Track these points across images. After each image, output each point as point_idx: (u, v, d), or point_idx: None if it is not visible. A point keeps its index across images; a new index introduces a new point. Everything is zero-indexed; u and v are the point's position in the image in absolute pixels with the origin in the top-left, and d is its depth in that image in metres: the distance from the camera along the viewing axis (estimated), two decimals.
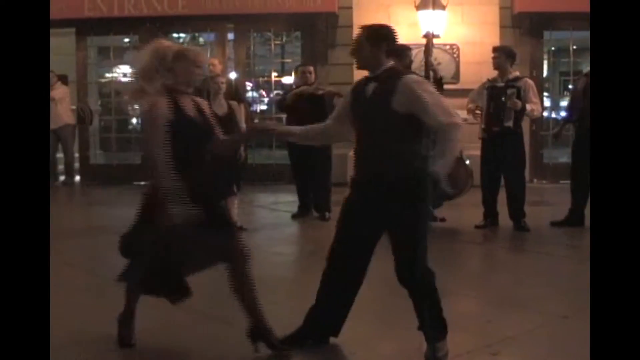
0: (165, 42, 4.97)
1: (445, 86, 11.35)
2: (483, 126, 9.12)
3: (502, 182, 9.41)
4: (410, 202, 4.65)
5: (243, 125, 9.39)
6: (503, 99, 8.97)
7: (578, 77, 10.02)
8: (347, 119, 4.95)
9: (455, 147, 4.71)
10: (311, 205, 10.58)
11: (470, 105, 9.37)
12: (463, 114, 9.80)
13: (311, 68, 10.65)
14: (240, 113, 9.53)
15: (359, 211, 4.81)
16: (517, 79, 9.23)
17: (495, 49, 9.40)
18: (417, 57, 11.21)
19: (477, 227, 9.29)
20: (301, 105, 10.04)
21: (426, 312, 4.79)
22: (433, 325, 4.80)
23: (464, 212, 9.71)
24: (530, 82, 9.33)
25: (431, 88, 4.80)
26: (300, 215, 10.54)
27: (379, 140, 4.69)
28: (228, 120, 9.27)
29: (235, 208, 9.48)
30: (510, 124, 9.03)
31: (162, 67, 4.79)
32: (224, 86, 9.46)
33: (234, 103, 9.67)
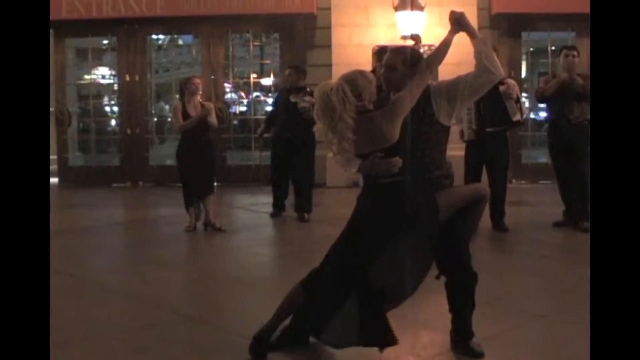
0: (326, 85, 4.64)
1: None
2: (475, 128, 9.01)
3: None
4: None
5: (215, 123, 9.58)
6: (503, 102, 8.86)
7: (547, 78, 9.98)
8: None
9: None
10: (285, 203, 10.64)
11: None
12: None
13: (289, 71, 10.71)
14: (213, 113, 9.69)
15: None
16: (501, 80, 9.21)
17: None
18: None
19: None
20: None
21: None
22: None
23: None
24: (514, 83, 9.28)
25: None
26: (277, 213, 10.59)
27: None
28: (202, 120, 9.42)
29: (212, 206, 9.51)
30: (518, 117, 8.97)
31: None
32: (196, 85, 9.57)
33: (207, 103, 9.78)
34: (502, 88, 8.72)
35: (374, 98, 4.67)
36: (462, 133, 9.09)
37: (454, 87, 4.86)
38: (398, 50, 4.96)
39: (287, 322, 5.03)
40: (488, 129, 8.89)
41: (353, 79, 4.61)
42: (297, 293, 4.87)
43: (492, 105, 8.76)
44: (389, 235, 4.66)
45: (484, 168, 9.26)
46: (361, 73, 4.70)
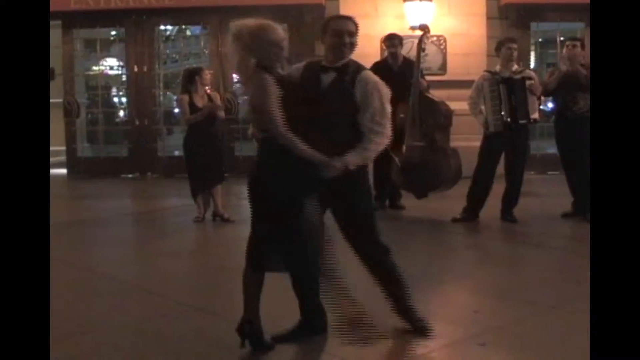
0: (240, 22, 4.73)
1: (433, 78, 11.39)
2: (508, 119, 8.95)
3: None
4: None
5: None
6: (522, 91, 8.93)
7: (552, 70, 10.02)
8: None
9: (370, 156, 4.84)
10: None
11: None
12: (454, 104, 9.83)
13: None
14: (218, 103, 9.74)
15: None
16: (521, 70, 9.29)
17: (512, 40, 9.35)
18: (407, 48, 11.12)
19: (454, 220, 9.27)
20: None
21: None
22: None
23: (453, 203, 9.69)
24: (538, 82, 9.30)
25: (384, 94, 4.86)
26: None
27: (331, 127, 4.78)
28: (210, 114, 9.45)
29: (220, 197, 9.53)
30: (536, 115, 9.09)
31: (243, 48, 4.68)
32: (208, 77, 9.60)
33: (214, 94, 9.79)
34: (529, 83, 8.80)
35: (274, 59, 4.69)
36: (486, 124, 9.06)
37: (362, 111, 4.83)
38: (353, 20, 5.01)
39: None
40: (521, 121, 8.93)
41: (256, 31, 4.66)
42: (248, 275, 4.91)
43: (523, 98, 8.85)
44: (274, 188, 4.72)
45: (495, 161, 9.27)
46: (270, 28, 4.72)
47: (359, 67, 4.91)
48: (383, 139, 4.80)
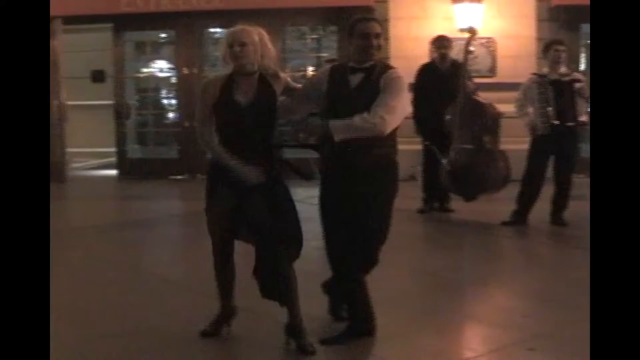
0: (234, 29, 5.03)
1: (482, 80, 11.31)
2: (556, 122, 8.89)
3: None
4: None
5: None
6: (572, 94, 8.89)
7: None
8: (312, 101, 5.16)
9: (357, 129, 4.74)
10: None
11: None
12: (504, 107, 9.76)
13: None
14: None
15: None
16: (570, 72, 9.21)
17: (559, 42, 9.29)
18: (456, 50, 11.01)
19: (504, 223, 9.19)
20: None
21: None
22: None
23: (503, 206, 9.62)
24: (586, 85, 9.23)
25: (402, 89, 4.90)
26: None
27: None
28: None
29: None
30: (585, 118, 9.00)
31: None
32: None
33: None
34: (577, 85, 8.74)
35: (234, 61, 4.94)
36: (533, 127, 9.00)
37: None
38: (378, 22, 5.09)
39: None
40: (568, 124, 8.86)
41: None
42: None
43: (570, 101, 8.84)
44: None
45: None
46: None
47: (386, 67, 4.95)
48: (375, 119, 4.70)
